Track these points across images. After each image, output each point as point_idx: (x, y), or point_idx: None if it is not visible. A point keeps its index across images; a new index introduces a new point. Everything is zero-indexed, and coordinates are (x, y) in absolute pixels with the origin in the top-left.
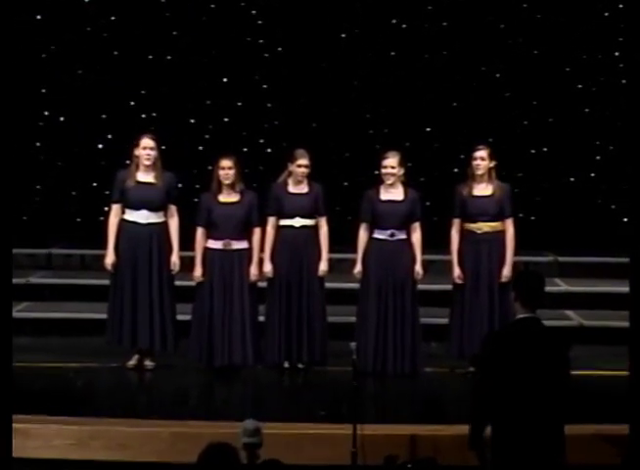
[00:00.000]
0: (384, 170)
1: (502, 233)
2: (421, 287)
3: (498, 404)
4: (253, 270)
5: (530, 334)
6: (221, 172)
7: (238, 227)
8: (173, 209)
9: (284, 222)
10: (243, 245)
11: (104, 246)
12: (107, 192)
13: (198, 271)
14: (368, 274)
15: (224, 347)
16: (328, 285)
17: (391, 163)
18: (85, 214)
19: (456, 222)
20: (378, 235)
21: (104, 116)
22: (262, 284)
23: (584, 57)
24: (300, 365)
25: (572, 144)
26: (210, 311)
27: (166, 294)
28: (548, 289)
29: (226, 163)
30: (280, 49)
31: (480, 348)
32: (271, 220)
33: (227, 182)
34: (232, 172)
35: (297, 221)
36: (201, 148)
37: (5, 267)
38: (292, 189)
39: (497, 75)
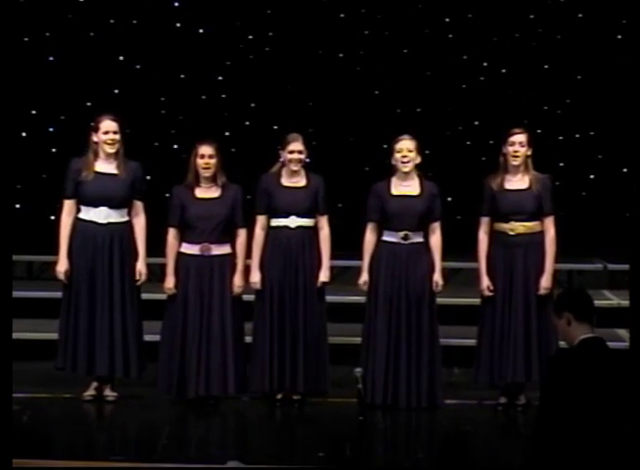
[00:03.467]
0: (398, 155)
1: (540, 235)
2: (441, 301)
3: (564, 445)
4: (237, 281)
5: (603, 358)
6: (200, 161)
7: (218, 228)
8: (139, 205)
9: (276, 222)
10: (224, 250)
11: (55, 251)
12: (58, 185)
13: (169, 282)
14: (377, 285)
15: (200, 374)
16: (329, 298)
17: (408, 145)
18: (33, 213)
19: (485, 222)
20: (388, 237)
21: (55, 93)
22: (249, 297)
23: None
24: (295, 396)
25: (625, 127)
26: (184, 330)
27: (130, 309)
28: (596, 303)
29: (206, 149)
30: (269, 11)
31: (546, 377)
32: (260, 220)
33: (207, 174)
34: (213, 161)
35: (293, 221)
36: (173, 132)
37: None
38: (285, 182)
39: (533, 44)
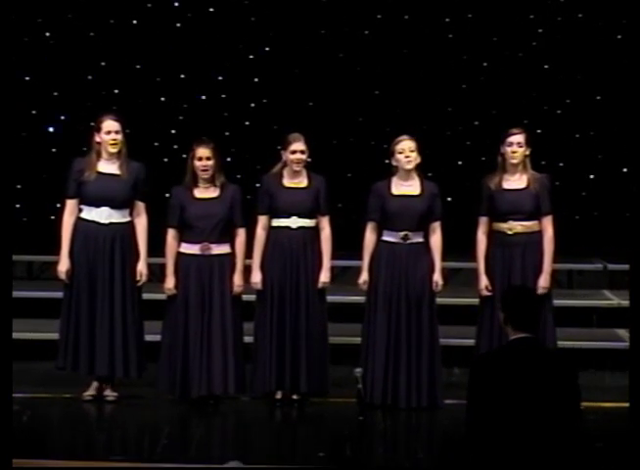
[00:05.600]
0: (401, 156)
1: (539, 234)
2: (440, 301)
3: (490, 444)
4: (237, 280)
5: (529, 357)
6: (197, 163)
7: (218, 228)
8: (141, 206)
9: (277, 222)
10: (224, 249)
11: (56, 251)
12: (58, 185)
13: (170, 282)
14: (376, 285)
15: (201, 374)
16: (330, 298)
17: (409, 145)
18: (33, 213)
19: (483, 221)
20: (388, 237)
21: (55, 93)
22: (250, 297)
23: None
24: (296, 396)
25: (625, 127)
26: (185, 330)
27: (131, 309)
28: (596, 303)
29: (203, 151)
30: (269, 11)
31: (469, 375)
32: (262, 220)
33: (205, 176)
34: (210, 163)
35: (294, 221)
36: (173, 132)
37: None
38: (287, 182)
39: (533, 44)
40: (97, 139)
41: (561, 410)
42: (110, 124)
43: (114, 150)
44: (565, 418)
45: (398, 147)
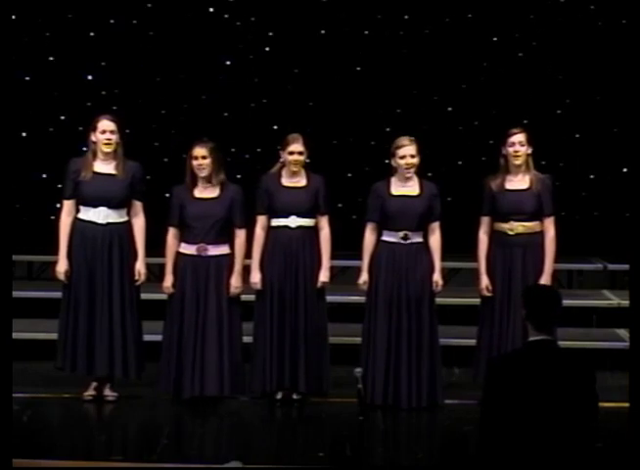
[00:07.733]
0: (402, 161)
1: (540, 235)
2: (440, 301)
3: (505, 447)
4: (235, 282)
5: (546, 360)
6: (193, 162)
7: (215, 228)
8: (139, 206)
9: (276, 222)
10: (221, 250)
11: (55, 251)
12: (58, 185)
13: (168, 281)
14: (376, 285)
15: (194, 375)
16: (330, 298)
17: (411, 151)
18: (32, 213)
19: (485, 222)
20: (388, 237)
21: (55, 93)
22: (249, 297)
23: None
24: (295, 396)
25: (626, 127)
26: (180, 331)
27: (130, 309)
28: (596, 303)
29: (200, 151)
30: (269, 11)
31: (485, 377)
32: (261, 220)
33: (202, 174)
34: (206, 162)
35: (293, 221)
36: (173, 132)
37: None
38: (286, 182)
39: (533, 43)
40: (92, 138)
41: (577, 414)
42: (105, 124)
43: (107, 149)
44: (581, 422)
45: (400, 152)
